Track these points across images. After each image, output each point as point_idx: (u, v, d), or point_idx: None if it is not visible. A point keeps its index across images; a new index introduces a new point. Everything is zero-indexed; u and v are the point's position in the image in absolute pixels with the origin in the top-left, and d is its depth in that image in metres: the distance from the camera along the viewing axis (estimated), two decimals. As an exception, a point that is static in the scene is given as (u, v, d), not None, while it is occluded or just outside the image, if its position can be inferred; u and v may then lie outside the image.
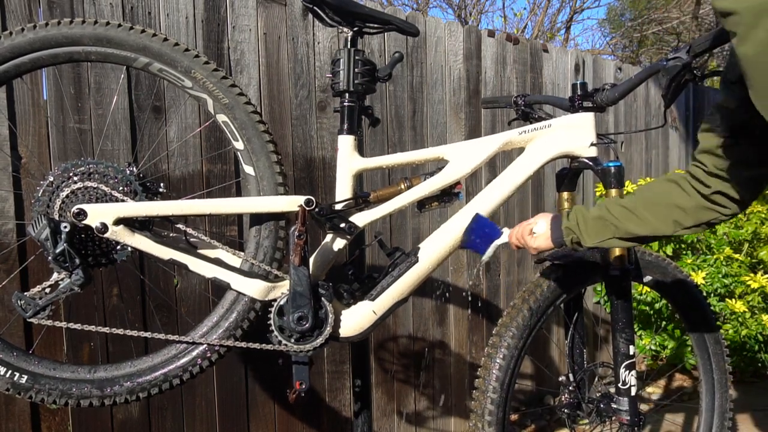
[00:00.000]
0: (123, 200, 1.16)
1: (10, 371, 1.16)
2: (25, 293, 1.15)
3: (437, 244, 1.38)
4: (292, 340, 1.25)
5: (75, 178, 1.16)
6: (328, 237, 1.34)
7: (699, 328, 1.71)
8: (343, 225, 1.31)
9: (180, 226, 1.22)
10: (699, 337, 1.72)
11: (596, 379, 1.65)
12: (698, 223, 1.15)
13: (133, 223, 1.18)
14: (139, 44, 1.18)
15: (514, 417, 2.63)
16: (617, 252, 1.45)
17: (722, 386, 1.74)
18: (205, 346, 1.24)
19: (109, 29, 1.17)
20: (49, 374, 1.18)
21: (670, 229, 1.17)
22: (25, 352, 1.21)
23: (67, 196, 1.15)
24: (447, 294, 2.45)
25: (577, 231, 1.24)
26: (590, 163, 1.42)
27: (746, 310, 2.66)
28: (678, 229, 1.17)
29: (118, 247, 1.19)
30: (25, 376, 1.16)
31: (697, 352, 1.74)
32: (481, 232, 1.36)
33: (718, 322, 1.76)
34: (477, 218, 1.37)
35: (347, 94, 1.34)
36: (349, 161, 1.34)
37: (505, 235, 1.36)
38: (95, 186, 1.16)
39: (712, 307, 1.74)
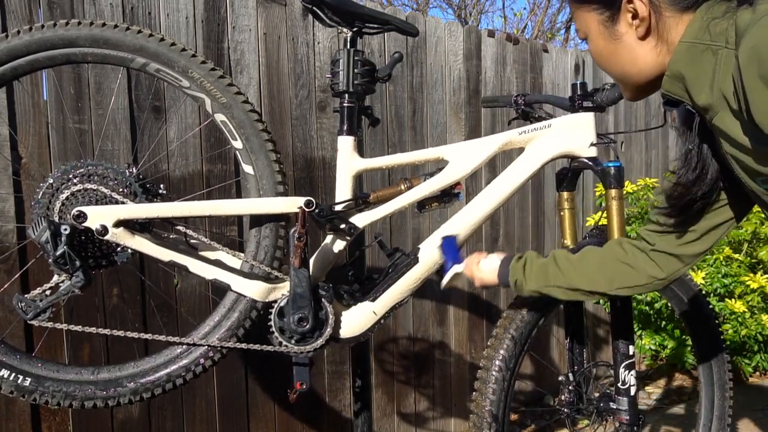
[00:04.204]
0: (123, 202, 1.16)
1: (13, 374, 1.16)
2: (26, 295, 1.15)
3: (437, 245, 1.38)
4: (293, 341, 1.25)
5: (75, 180, 1.16)
6: (328, 238, 1.34)
7: (699, 328, 1.71)
8: (343, 226, 1.31)
9: (180, 227, 1.22)
10: (699, 338, 1.72)
11: (593, 379, 1.65)
12: (633, 285, 1.21)
13: (133, 225, 1.18)
14: (136, 45, 1.18)
15: (514, 417, 2.63)
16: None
17: (722, 386, 1.74)
18: (206, 346, 1.24)
19: (105, 30, 1.17)
20: (52, 376, 1.18)
21: (605, 287, 1.22)
22: (29, 354, 1.21)
23: (67, 198, 1.15)
24: (447, 294, 2.45)
25: (520, 274, 1.28)
26: (590, 163, 1.42)
27: (746, 310, 2.66)
28: (612, 288, 1.22)
29: (119, 249, 1.19)
30: (29, 379, 1.16)
31: (697, 352, 1.74)
32: (446, 255, 1.35)
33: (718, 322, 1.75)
34: (444, 242, 1.34)
35: (347, 95, 1.34)
36: (348, 162, 1.34)
37: (463, 265, 1.35)
38: (95, 188, 1.16)
39: (711, 306, 1.74)
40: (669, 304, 2.51)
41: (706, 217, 1.09)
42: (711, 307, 1.73)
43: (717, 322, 1.73)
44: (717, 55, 0.84)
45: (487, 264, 1.34)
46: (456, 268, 1.34)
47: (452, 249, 1.35)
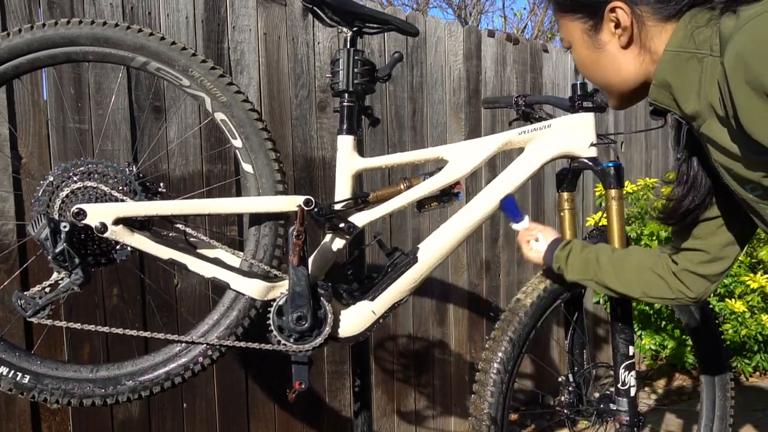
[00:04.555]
0: (122, 200, 1.16)
1: (12, 371, 1.16)
2: (25, 293, 1.15)
3: (437, 245, 1.38)
4: (292, 340, 1.25)
5: (75, 178, 1.16)
6: (328, 237, 1.34)
7: (699, 328, 1.71)
8: (342, 225, 1.31)
9: (179, 225, 1.22)
10: (699, 338, 1.72)
11: (593, 380, 1.65)
12: (664, 297, 1.24)
13: (132, 223, 1.18)
14: (137, 43, 1.18)
15: (514, 417, 2.63)
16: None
17: (723, 387, 1.73)
18: (205, 345, 1.24)
19: (106, 29, 1.17)
20: (51, 374, 1.18)
21: (638, 293, 1.26)
22: (27, 352, 1.21)
23: (66, 196, 1.15)
24: (447, 294, 2.45)
25: (563, 263, 1.34)
26: (590, 163, 1.42)
27: (746, 310, 2.66)
28: (645, 296, 1.26)
29: (118, 246, 1.19)
30: (28, 376, 1.16)
31: (698, 353, 1.74)
32: (509, 214, 1.46)
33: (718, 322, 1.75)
34: (504, 202, 1.43)
35: (347, 94, 1.34)
36: (348, 161, 1.34)
37: (523, 224, 1.46)
38: (95, 186, 1.16)
39: (711, 306, 1.74)
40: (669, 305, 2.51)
41: (713, 236, 1.10)
42: (711, 306, 1.73)
43: (717, 322, 1.74)
44: (702, 63, 0.84)
45: (537, 245, 1.41)
46: (516, 227, 1.46)
47: (513, 207, 1.45)
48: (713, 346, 1.71)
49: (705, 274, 1.16)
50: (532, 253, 1.42)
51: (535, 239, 1.43)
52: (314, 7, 1.32)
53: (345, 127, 1.34)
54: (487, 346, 1.45)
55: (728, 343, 2.59)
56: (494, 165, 2.50)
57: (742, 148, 0.83)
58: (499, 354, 1.41)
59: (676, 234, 1.16)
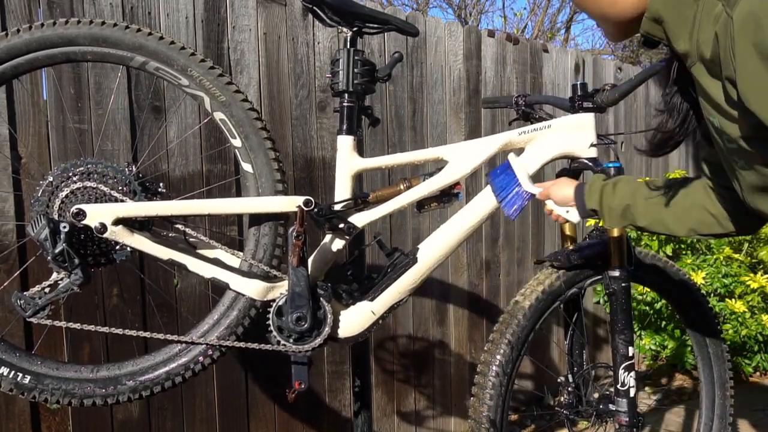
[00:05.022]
0: (122, 200, 1.16)
1: (13, 372, 1.16)
2: (25, 293, 1.15)
3: (436, 245, 1.38)
4: (291, 341, 1.25)
5: (74, 178, 1.16)
6: (327, 237, 1.34)
7: (699, 328, 1.71)
8: (342, 225, 1.31)
9: (179, 226, 1.22)
10: (699, 338, 1.72)
11: (592, 381, 1.65)
12: (712, 233, 1.14)
13: (132, 223, 1.18)
14: (135, 43, 1.18)
15: (513, 417, 2.63)
16: (617, 253, 1.45)
17: (722, 385, 1.74)
18: (205, 344, 1.24)
19: (104, 29, 1.17)
20: (52, 374, 1.18)
21: (684, 232, 1.16)
22: (28, 352, 1.21)
23: (66, 196, 1.15)
24: (447, 294, 2.45)
25: (600, 211, 1.24)
26: (590, 163, 1.42)
27: (746, 310, 2.66)
28: (692, 234, 1.16)
29: (118, 247, 1.19)
30: (29, 377, 1.16)
31: (698, 352, 1.74)
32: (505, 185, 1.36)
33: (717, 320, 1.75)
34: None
35: (347, 95, 1.34)
36: (348, 161, 1.34)
37: (530, 187, 1.34)
38: (94, 186, 1.16)
39: (711, 306, 1.74)
40: (669, 305, 2.51)
41: None
42: (701, 291, 1.71)
43: (710, 305, 1.72)
44: (698, 2, 0.82)
45: (558, 191, 1.32)
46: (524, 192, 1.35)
47: (505, 177, 1.36)
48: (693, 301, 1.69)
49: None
50: (555, 193, 1.31)
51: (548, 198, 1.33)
52: (314, 7, 1.32)
53: (345, 127, 1.34)
54: (485, 348, 1.44)
55: (728, 343, 2.59)
56: (494, 165, 2.49)
57: (728, 103, 0.80)
58: (498, 357, 1.41)
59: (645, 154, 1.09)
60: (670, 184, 1.20)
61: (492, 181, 1.39)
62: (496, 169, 1.40)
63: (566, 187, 1.32)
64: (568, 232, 1.57)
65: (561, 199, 1.32)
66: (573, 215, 1.30)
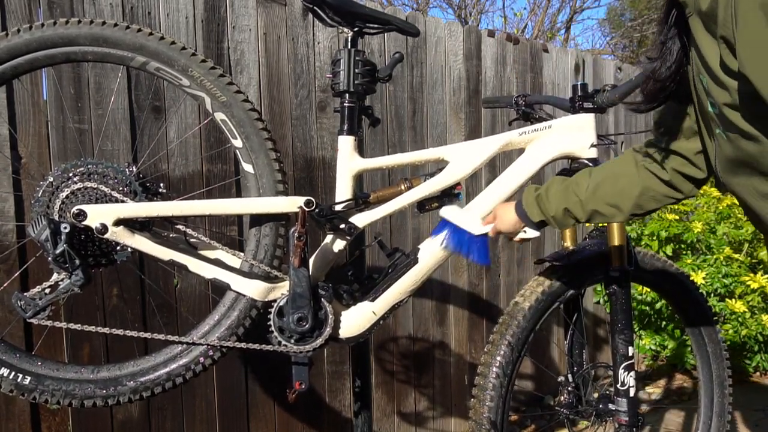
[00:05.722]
0: (123, 201, 1.16)
1: (13, 373, 1.16)
2: (25, 294, 1.15)
3: (437, 245, 1.38)
4: (292, 341, 1.25)
5: (75, 179, 1.16)
6: (328, 238, 1.34)
7: (698, 327, 1.71)
8: (342, 226, 1.31)
9: (180, 226, 1.22)
10: (698, 337, 1.72)
11: (592, 381, 1.65)
12: (653, 208, 1.14)
13: (133, 224, 1.18)
14: (136, 43, 1.18)
15: (514, 417, 2.63)
16: (617, 253, 1.45)
17: (721, 384, 1.74)
18: (206, 345, 1.24)
19: (105, 29, 1.17)
20: (52, 375, 1.18)
21: (625, 216, 1.16)
22: (28, 353, 1.21)
23: (66, 197, 1.15)
24: (447, 294, 2.45)
25: (540, 201, 1.25)
26: (590, 164, 1.42)
27: (746, 310, 2.66)
28: (637, 212, 1.16)
29: (118, 247, 1.19)
30: (29, 378, 1.16)
31: (697, 351, 1.74)
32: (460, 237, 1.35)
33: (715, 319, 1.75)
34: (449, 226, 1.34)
35: (347, 95, 1.34)
36: (349, 162, 1.34)
37: (478, 227, 1.33)
38: (95, 186, 1.16)
39: (710, 305, 1.74)
40: (669, 305, 2.51)
41: (693, 140, 1.02)
42: (699, 290, 1.71)
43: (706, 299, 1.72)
44: None
45: (502, 214, 1.31)
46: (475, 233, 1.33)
47: (456, 236, 1.34)
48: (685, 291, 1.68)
49: (690, 175, 1.07)
50: (502, 224, 1.30)
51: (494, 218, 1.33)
52: (315, 7, 1.32)
53: (346, 127, 1.34)
54: (486, 350, 1.45)
55: (728, 343, 2.59)
56: (494, 165, 2.49)
57: (721, 66, 0.76)
58: (498, 358, 1.41)
59: (635, 110, 1.08)
60: (600, 172, 1.19)
61: (446, 246, 1.36)
62: (438, 231, 1.37)
63: (508, 213, 1.30)
64: (568, 232, 1.57)
65: (510, 226, 1.30)
66: (531, 232, 1.30)
